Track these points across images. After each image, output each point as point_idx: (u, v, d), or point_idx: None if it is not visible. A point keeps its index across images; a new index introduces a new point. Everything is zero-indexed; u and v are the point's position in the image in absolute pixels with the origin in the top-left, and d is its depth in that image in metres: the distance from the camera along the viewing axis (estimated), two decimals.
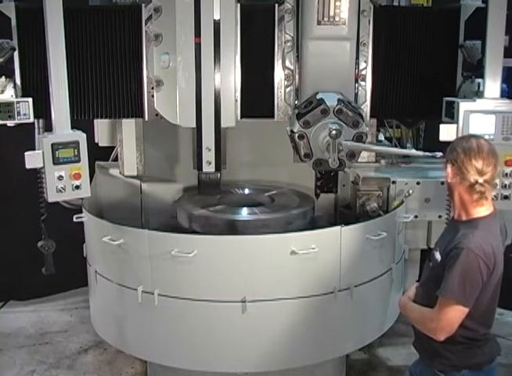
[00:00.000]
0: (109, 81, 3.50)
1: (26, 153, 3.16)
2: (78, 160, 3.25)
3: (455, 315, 2.44)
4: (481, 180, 2.43)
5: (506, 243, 3.70)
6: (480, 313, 2.55)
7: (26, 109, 3.32)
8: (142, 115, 3.58)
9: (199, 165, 3.43)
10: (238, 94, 3.45)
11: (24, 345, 4.73)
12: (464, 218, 2.56)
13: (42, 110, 3.36)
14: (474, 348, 2.60)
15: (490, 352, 2.67)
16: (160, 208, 4.11)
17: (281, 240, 3.34)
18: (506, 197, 3.45)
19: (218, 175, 3.48)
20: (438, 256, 2.59)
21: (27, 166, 3.17)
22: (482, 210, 2.53)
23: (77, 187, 3.27)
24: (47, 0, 3.11)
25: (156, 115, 3.55)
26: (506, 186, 3.43)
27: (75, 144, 3.24)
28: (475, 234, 2.44)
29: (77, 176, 3.25)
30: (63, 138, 3.23)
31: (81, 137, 3.27)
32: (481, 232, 2.46)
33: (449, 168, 2.53)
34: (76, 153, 3.24)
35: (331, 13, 3.31)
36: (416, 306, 2.67)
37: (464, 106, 3.37)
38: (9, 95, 3.34)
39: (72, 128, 3.30)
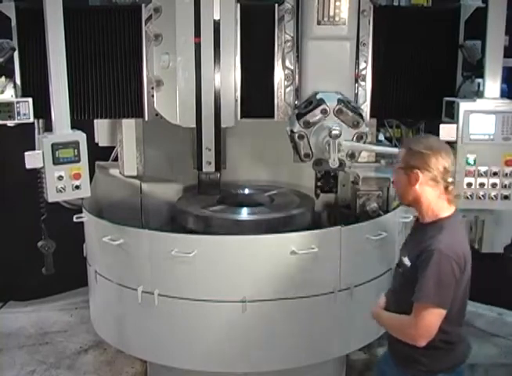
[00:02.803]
0: (110, 81, 3.50)
1: (26, 153, 3.16)
2: (78, 160, 3.25)
3: (433, 319, 2.39)
4: (450, 179, 2.41)
5: (506, 243, 3.74)
6: (454, 314, 2.52)
7: (26, 109, 3.32)
8: (142, 115, 3.57)
9: (199, 165, 3.44)
10: (238, 94, 3.45)
11: (24, 345, 4.73)
12: (430, 219, 2.51)
13: (42, 110, 3.35)
14: (449, 351, 2.57)
15: (463, 352, 2.66)
16: (160, 208, 4.12)
17: (281, 240, 3.34)
18: (506, 197, 3.44)
19: (218, 175, 3.48)
20: (406, 261, 2.52)
21: (27, 166, 3.17)
22: (447, 210, 2.49)
23: (77, 187, 3.27)
24: (47, 0, 3.11)
25: (156, 115, 3.54)
26: (506, 186, 3.42)
27: (75, 144, 3.24)
28: (443, 235, 2.40)
29: (77, 176, 3.25)
30: (63, 138, 3.23)
31: (81, 137, 3.27)
32: (448, 232, 2.42)
33: (419, 174, 2.42)
34: (76, 153, 3.24)
35: (331, 13, 3.30)
36: (391, 314, 2.60)
37: (464, 106, 3.36)
38: (9, 95, 3.33)
39: (72, 128, 3.30)
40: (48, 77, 3.19)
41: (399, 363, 2.65)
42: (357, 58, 3.51)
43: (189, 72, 3.30)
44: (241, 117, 3.52)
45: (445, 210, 2.47)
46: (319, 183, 3.82)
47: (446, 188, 2.42)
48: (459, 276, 2.40)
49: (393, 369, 2.69)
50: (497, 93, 3.41)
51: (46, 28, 3.15)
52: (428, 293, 2.36)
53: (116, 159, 4.34)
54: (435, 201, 2.46)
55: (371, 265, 3.59)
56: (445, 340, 2.51)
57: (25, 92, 3.41)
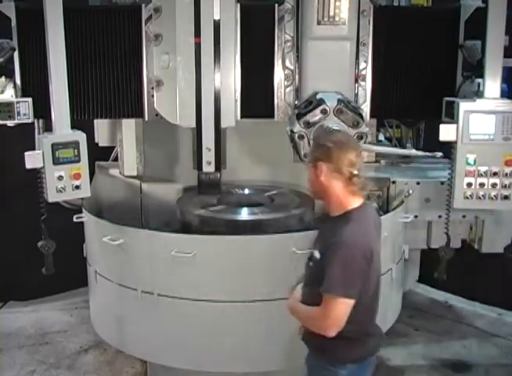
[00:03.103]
0: (110, 81, 3.50)
1: (26, 153, 3.16)
2: (78, 160, 3.25)
3: (341, 309, 2.39)
4: (355, 171, 2.41)
5: (506, 243, 3.74)
6: (366, 306, 2.53)
7: (26, 109, 3.32)
8: (142, 115, 3.58)
9: (199, 165, 3.44)
10: (238, 94, 3.45)
11: (24, 345, 4.72)
12: (338, 212, 2.53)
13: (42, 110, 3.35)
14: (359, 342, 2.57)
15: (373, 345, 2.65)
16: (160, 208, 4.09)
17: (281, 240, 3.34)
18: (506, 197, 3.44)
19: (218, 175, 3.48)
20: (317, 254, 2.53)
21: (27, 166, 3.17)
22: (355, 201, 2.50)
23: (77, 187, 3.27)
24: (47, 0, 3.11)
25: (156, 115, 3.55)
26: (506, 186, 3.42)
27: (75, 144, 3.24)
28: (349, 226, 2.43)
29: (77, 176, 3.25)
30: (63, 138, 3.23)
31: (81, 137, 3.27)
32: (355, 223, 2.44)
33: (323, 166, 2.45)
34: (76, 153, 3.24)
35: (331, 13, 3.32)
36: (303, 306, 2.60)
37: (464, 106, 3.37)
38: (9, 95, 3.33)
39: (72, 128, 3.30)
40: (48, 77, 3.19)
41: (313, 352, 2.68)
42: (357, 58, 3.52)
43: (189, 72, 3.31)
44: (241, 117, 3.53)
45: (352, 202, 2.50)
46: None
47: (351, 180, 2.43)
48: (366, 267, 2.41)
49: (309, 358, 2.73)
50: (497, 93, 3.42)
51: (46, 28, 3.15)
52: (335, 284, 2.38)
53: (116, 159, 4.34)
54: (342, 193, 2.47)
55: None
56: (356, 331, 2.52)
57: (25, 92, 3.42)
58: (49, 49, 3.17)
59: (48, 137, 3.23)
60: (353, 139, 2.52)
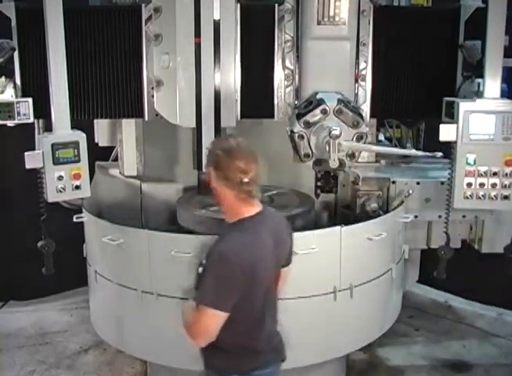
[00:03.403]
0: (110, 81, 3.50)
1: (26, 153, 3.16)
2: (78, 161, 3.25)
3: (210, 320, 2.34)
4: (246, 179, 2.36)
5: (506, 243, 3.74)
6: (249, 320, 2.46)
7: (26, 109, 3.31)
8: (142, 115, 3.58)
9: (199, 165, 3.44)
10: (238, 94, 3.45)
11: (24, 345, 4.72)
12: (232, 220, 2.48)
13: (42, 110, 3.35)
14: (244, 356, 2.50)
15: (263, 360, 2.55)
16: (160, 208, 4.10)
17: None
18: (506, 197, 3.44)
19: None
20: (204, 260, 2.47)
21: (27, 166, 3.16)
22: (249, 209, 2.45)
23: (77, 187, 3.26)
24: (47, 0, 3.11)
25: (156, 115, 3.54)
26: (506, 186, 3.42)
27: (75, 144, 3.23)
28: (234, 236, 2.38)
29: (77, 176, 3.25)
30: (63, 138, 3.22)
31: (81, 137, 3.27)
32: (242, 234, 2.38)
33: (212, 172, 2.43)
34: (76, 153, 3.23)
35: (331, 13, 3.31)
36: (188, 311, 2.52)
37: (464, 106, 3.36)
38: (9, 95, 3.33)
39: (72, 128, 3.29)
40: (48, 77, 3.18)
41: (203, 361, 2.63)
42: (357, 58, 3.52)
43: (189, 72, 3.30)
44: (241, 117, 3.52)
45: (246, 210, 2.44)
46: (319, 183, 3.79)
47: (242, 187, 2.38)
48: (244, 281, 2.32)
49: (204, 370, 2.68)
50: (497, 93, 3.40)
51: (46, 28, 3.14)
52: (205, 294, 2.33)
53: (116, 159, 4.33)
54: (233, 201, 2.42)
55: (371, 265, 3.57)
56: (237, 345, 2.47)
57: (25, 92, 3.41)
58: (49, 49, 3.16)
59: (48, 137, 3.22)
60: (246, 146, 2.41)
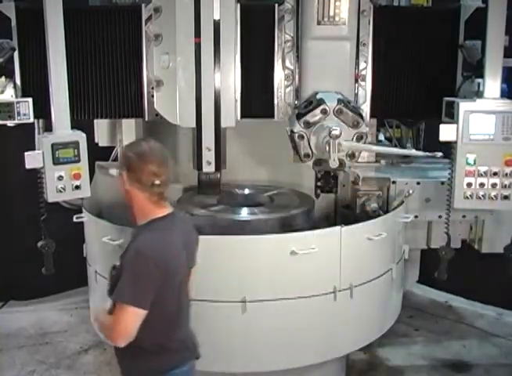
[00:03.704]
0: (109, 81, 3.50)
1: (26, 153, 3.16)
2: (78, 160, 3.25)
3: (129, 318, 2.35)
4: (157, 182, 2.41)
5: (506, 243, 3.74)
6: (168, 317, 2.50)
7: (26, 109, 3.31)
8: (142, 115, 3.58)
9: (199, 165, 3.43)
10: (238, 94, 3.45)
11: (24, 345, 4.72)
12: (142, 221, 2.51)
13: (42, 110, 3.35)
14: (161, 354, 2.52)
15: (179, 358, 2.59)
16: None
17: (281, 240, 3.33)
18: (506, 197, 3.44)
19: (218, 175, 3.48)
20: (118, 262, 2.50)
21: (27, 166, 3.16)
22: (160, 211, 2.50)
23: (77, 187, 3.27)
24: (47, 0, 3.11)
25: (156, 115, 3.54)
26: (506, 186, 3.42)
27: (75, 144, 3.23)
28: (147, 235, 2.42)
29: (77, 176, 3.25)
30: (63, 138, 3.22)
31: (80, 137, 3.27)
32: (154, 232, 2.44)
33: (125, 175, 2.47)
34: (76, 153, 3.23)
35: (331, 13, 3.31)
36: (103, 317, 2.53)
37: (464, 106, 3.36)
38: (9, 95, 3.33)
39: (72, 128, 3.29)
40: (48, 77, 3.18)
41: (119, 363, 2.64)
42: (357, 58, 3.53)
43: (189, 72, 3.30)
44: (241, 117, 3.52)
45: (157, 211, 2.49)
46: (319, 183, 3.77)
47: (153, 190, 2.43)
48: (160, 276, 2.37)
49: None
50: (497, 93, 3.41)
51: (46, 28, 3.15)
52: (123, 291, 2.35)
53: (116, 159, 4.33)
54: (145, 203, 2.47)
55: (371, 265, 3.57)
56: (154, 343, 2.49)
57: (25, 92, 3.41)
58: (49, 49, 3.16)
59: (48, 137, 3.22)
60: (159, 150, 2.47)
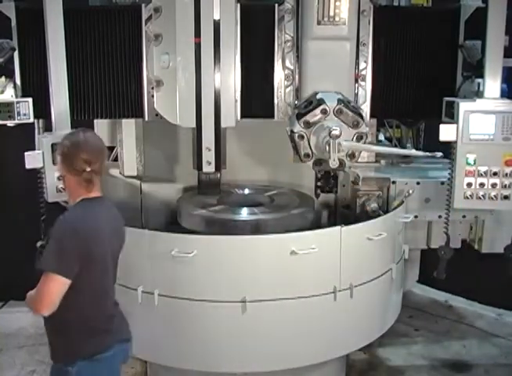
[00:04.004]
0: (109, 81, 3.50)
1: (26, 153, 3.16)
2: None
3: (53, 286, 2.46)
4: (88, 169, 2.57)
5: (506, 243, 3.75)
6: (91, 298, 2.60)
7: (26, 109, 3.31)
8: (142, 115, 3.58)
9: (199, 165, 3.43)
10: (238, 94, 3.45)
11: (24, 345, 4.72)
12: (74, 202, 2.68)
13: (42, 110, 3.34)
14: (88, 337, 2.61)
15: (107, 342, 2.67)
16: (160, 208, 4.11)
17: (281, 240, 3.33)
18: (506, 197, 3.44)
19: (218, 175, 3.48)
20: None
21: (27, 166, 3.16)
22: (89, 194, 2.66)
23: None
24: (47, 0, 3.11)
25: (156, 115, 3.54)
26: (506, 185, 3.42)
27: None
28: (73, 209, 2.63)
29: None
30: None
31: None
32: (79, 208, 2.62)
33: (60, 160, 2.65)
34: None
35: (331, 13, 3.31)
36: (31, 292, 2.62)
37: (464, 106, 3.36)
38: (9, 95, 3.33)
39: (72, 128, 3.29)
40: (48, 77, 3.18)
41: (50, 353, 2.73)
42: (357, 58, 3.53)
43: (189, 72, 3.29)
44: (241, 117, 3.52)
45: (85, 194, 2.65)
46: (319, 183, 3.80)
47: (83, 176, 2.60)
48: (84, 250, 2.49)
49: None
50: (497, 93, 3.41)
51: (46, 28, 3.16)
52: (47, 259, 2.48)
53: (116, 159, 4.32)
54: (76, 187, 2.64)
55: (371, 265, 3.57)
56: (80, 322, 2.59)
57: (25, 92, 3.41)
58: (49, 49, 3.17)
59: (48, 137, 3.22)
60: (93, 140, 2.66)
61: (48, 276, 2.46)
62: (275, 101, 3.57)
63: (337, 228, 3.39)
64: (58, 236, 2.50)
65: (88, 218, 2.58)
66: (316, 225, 3.85)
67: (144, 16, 3.40)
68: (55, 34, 3.17)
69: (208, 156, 3.40)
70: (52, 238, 2.51)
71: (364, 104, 3.61)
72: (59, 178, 3.19)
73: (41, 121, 3.56)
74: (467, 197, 3.45)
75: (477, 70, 3.50)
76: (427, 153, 3.26)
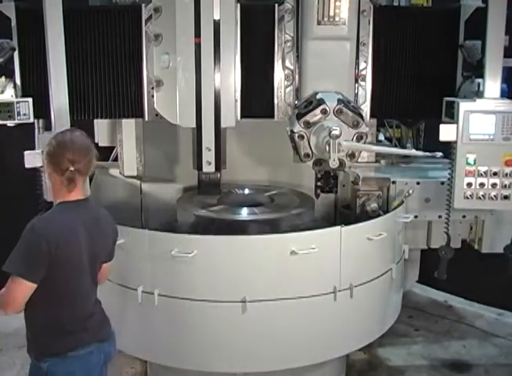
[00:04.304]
0: (109, 81, 3.49)
1: (25, 153, 3.15)
2: None
3: (17, 289, 2.46)
4: (71, 168, 2.57)
5: (506, 243, 3.74)
6: (62, 298, 2.60)
7: (26, 109, 3.30)
8: (142, 115, 3.57)
9: (199, 165, 3.43)
10: (238, 94, 3.44)
11: (24, 345, 4.63)
12: (56, 202, 2.67)
13: (42, 110, 3.34)
14: (58, 336, 2.61)
15: (78, 341, 2.65)
16: (160, 208, 4.10)
17: (281, 240, 3.33)
18: (506, 197, 3.44)
19: (218, 175, 3.47)
20: None
21: (27, 165, 3.16)
22: (71, 195, 2.63)
23: None
24: (47, 0, 3.10)
25: (156, 115, 3.53)
26: (506, 186, 3.42)
27: None
28: (46, 214, 2.60)
29: None
30: None
31: None
32: (55, 212, 2.61)
33: (45, 158, 2.64)
34: None
35: (331, 13, 3.31)
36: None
37: (464, 106, 3.36)
38: (8, 95, 3.32)
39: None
40: (48, 78, 3.18)
41: (27, 347, 2.72)
42: (357, 58, 3.53)
43: (189, 72, 3.28)
44: (241, 117, 3.52)
45: (66, 195, 2.63)
46: (319, 183, 3.77)
47: (66, 175, 2.58)
48: (50, 253, 2.47)
49: None
50: (497, 93, 3.40)
51: (46, 28, 3.14)
52: (11, 262, 2.47)
53: (116, 159, 4.33)
54: (59, 186, 2.63)
55: (371, 265, 3.56)
56: (53, 324, 2.60)
57: (25, 92, 3.40)
58: (49, 49, 3.16)
59: (47, 137, 3.20)
60: (80, 140, 2.65)
61: (14, 279, 2.46)
62: (275, 101, 3.57)
63: (337, 228, 3.38)
64: (27, 239, 2.49)
65: (60, 222, 2.56)
66: (316, 225, 3.82)
67: (144, 16, 3.40)
68: (55, 34, 3.15)
69: (208, 156, 3.39)
70: (20, 240, 2.50)
71: (364, 104, 3.61)
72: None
73: (41, 120, 3.55)
74: (467, 197, 3.45)
75: (477, 70, 3.49)
76: (427, 153, 3.26)
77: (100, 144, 4.39)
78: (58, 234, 2.51)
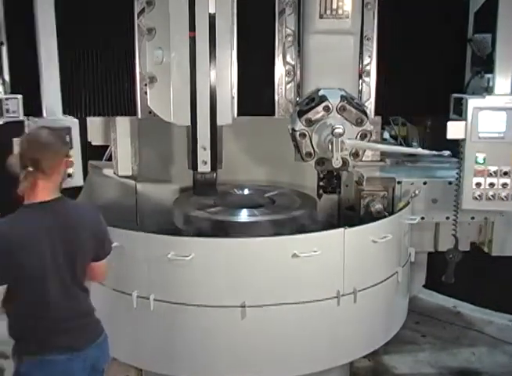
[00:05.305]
0: (101, 77, 3.45)
1: (14, 140, 3.07)
2: (70, 147, 3.14)
3: None
4: (30, 168, 2.54)
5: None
6: (29, 307, 2.61)
7: (15, 106, 3.23)
8: (135, 113, 3.55)
9: (194, 165, 3.41)
10: (235, 91, 3.43)
11: None
12: (25, 202, 2.65)
13: (33, 107, 3.27)
14: (29, 337, 2.63)
15: (51, 345, 2.63)
16: (156, 209, 4.08)
17: (282, 242, 3.31)
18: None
19: (214, 174, 3.46)
20: None
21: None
22: (37, 196, 2.61)
23: (69, 175, 3.15)
24: None
25: (150, 113, 3.52)
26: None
27: (67, 130, 3.14)
28: (7, 216, 2.60)
29: (69, 164, 3.14)
30: (53, 123, 3.12)
31: (72, 123, 3.19)
32: (12, 218, 2.58)
33: (17, 157, 2.62)
34: (68, 139, 3.13)
35: (334, 6, 3.29)
36: None
37: (473, 102, 3.32)
38: None
39: None
40: (39, 66, 3.15)
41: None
42: (361, 53, 3.53)
43: (183, 68, 3.27)
44: (238, 115, 3.49)
45: (31, 196, 2.61)
46: (321, 183, 3.79)
47: (29, 175, 2.56)
48: (8, 255, 2.50)
49: None
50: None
51: (36, 21, 3.11)
52: None
53: (110, 158, 4.36)
54: (26, 187, 2.60)
55: (376, 268, 3.54)
56: (20, 327, 2.64)
57: (14, 89, 3.33)
58: (40, 45, 3.13)
59: (37, 122, 3.15)
60: (47, 140, 2.61)
61: None
62: (276, 98, 3.57)
63: (341, 230, 3.37)
64: None
65: (13, 227, 2.55)
66: (319, 227, 3.78)
67: (136, 9, 3.36)
68: (46, 30, 3.12)
69: (204, 155, 3.38)
70: None
71: (368, 101, 3.60)
72: None
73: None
74: (476, 198, 3.44)
75: (486, 64, 3.47)
76: (434, 152, 3.24)
77: (93, 143, 4.44)
78: (10, 236, 2.51)
